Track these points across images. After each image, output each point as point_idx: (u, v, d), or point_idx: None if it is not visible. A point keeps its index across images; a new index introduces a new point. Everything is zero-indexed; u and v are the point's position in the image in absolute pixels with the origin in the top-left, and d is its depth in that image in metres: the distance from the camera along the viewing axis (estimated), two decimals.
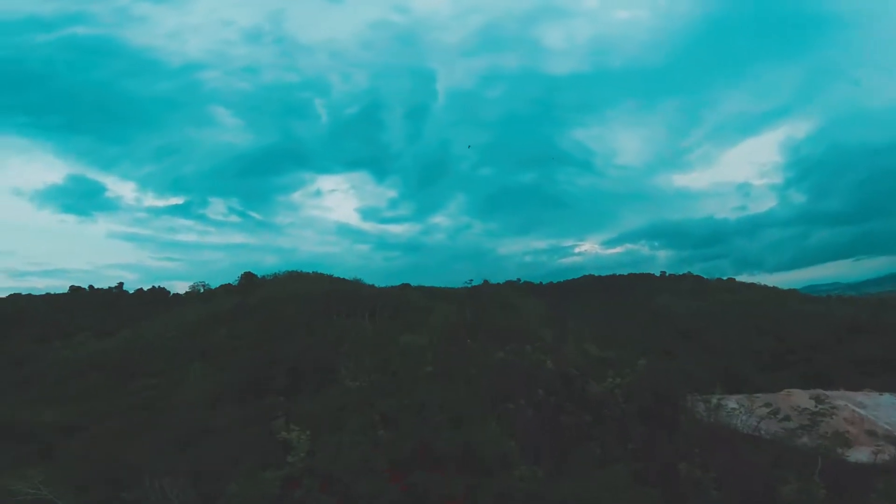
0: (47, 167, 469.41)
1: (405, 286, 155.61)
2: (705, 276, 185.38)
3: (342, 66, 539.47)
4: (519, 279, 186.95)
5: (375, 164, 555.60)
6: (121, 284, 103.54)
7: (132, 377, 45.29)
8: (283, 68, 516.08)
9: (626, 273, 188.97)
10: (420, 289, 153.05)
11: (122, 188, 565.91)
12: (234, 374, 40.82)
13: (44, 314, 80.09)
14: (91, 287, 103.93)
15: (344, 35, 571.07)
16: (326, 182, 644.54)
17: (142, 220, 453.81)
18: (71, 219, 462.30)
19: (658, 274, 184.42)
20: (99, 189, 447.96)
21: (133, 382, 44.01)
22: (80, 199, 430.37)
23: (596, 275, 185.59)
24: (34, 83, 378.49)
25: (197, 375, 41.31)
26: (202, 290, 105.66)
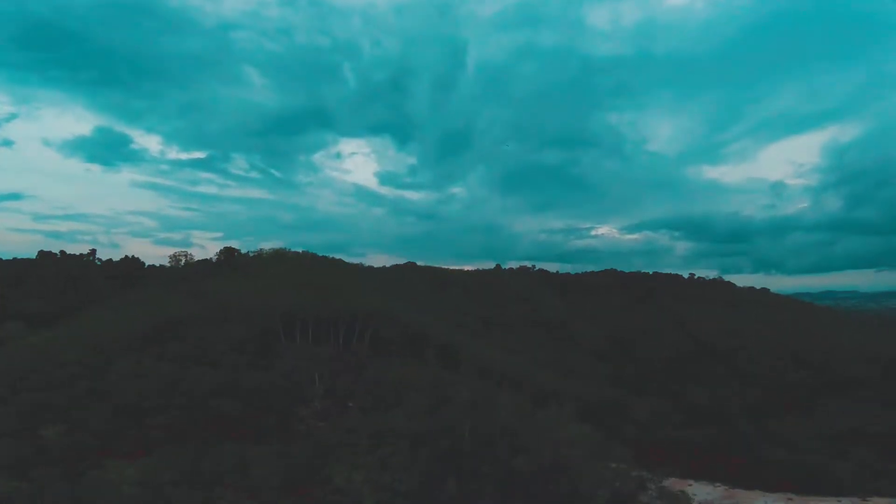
0: (78, 119, 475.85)
1: (410, 267, 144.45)
2: (725, 276, 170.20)
3: (375, 31, 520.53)
4: (533, 266, 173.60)
5: (398, 130, 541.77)
6: (93, 251, 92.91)
7: None
8: (316, 31, 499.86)
9: (649, 271, 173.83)
10: (428, 270, 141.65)
11: (147, 141, 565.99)
12: None
13: None
14: (62, 252, 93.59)
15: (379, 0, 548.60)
16: (348, 145, 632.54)
17: (165, 171, 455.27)
18: (96, 168, 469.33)
19: (686, 276, 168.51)
20: (125, 141, 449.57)
21: None
22: (107, 149, 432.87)
23: (619, 270, 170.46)
24: (70, 40, 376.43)
25: None
26: (182, 263, 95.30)
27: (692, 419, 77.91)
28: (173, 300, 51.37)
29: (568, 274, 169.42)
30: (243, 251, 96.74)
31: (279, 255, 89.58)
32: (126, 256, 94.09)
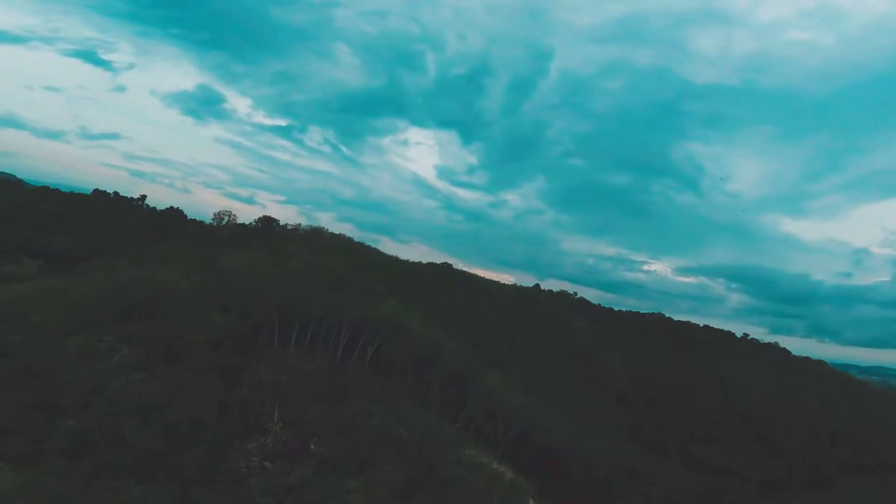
0: (185, 75, 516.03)
1: (445, 269, 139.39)
2: (774, 335, 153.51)
3: (462, 25, 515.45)
4: (575, 293, 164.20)
5: (465, 126, 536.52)
6: (143, 197, 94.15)
7: None
8: (408, 18, 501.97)
9: (698, 321, 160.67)
10: (462, 277, 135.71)
11: (238, 103, 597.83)
12: None
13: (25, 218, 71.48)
14: (116, 194, 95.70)
15: None
16: (416, 134, 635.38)
17: (247, 132, 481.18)
18: (189, 120, 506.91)
19: (739, 335, 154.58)
20: (219, 100, 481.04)
21: None
22: (202, 105, 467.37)
23: (666, 315, 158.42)
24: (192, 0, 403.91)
25: None
26: (225, 222, 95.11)
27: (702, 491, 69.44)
28: (175, 267, 48.68)
29: (611, 309, 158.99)
30: (292, 222, 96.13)
31: (316, 234, 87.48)
32: (171, 207, 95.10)
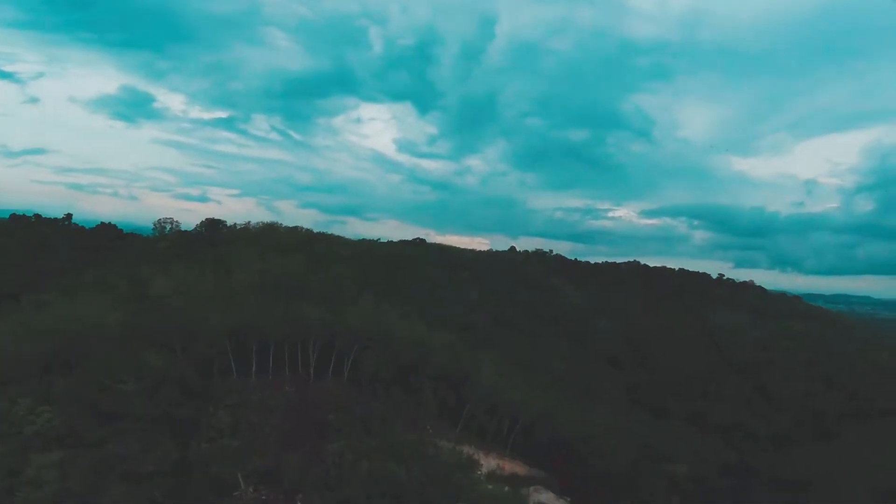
0: (105, 79, 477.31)
1: (419, 244, 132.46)
2: (739, 269, 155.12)
3: None
4: (551, 250, 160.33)
5: (420, 98, 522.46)
6: (68, 216, 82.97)
7: None
8: None
9: (675, 266, 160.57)
10: (437, 250, 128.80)
11: (171, 100, 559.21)
12: None
13: None
14: (37, 216, 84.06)
15: None
16: (369, 110, 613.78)
17: (186, 129, 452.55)
18: (119, 125, 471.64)
19: (715, 276, 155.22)
20: (148, 99, 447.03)
21: None
22: (130, 107, 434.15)
23: (642, 262, 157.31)
24: (100, 1, 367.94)
25: None
26: (169, 229, 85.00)
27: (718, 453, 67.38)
28: (105, 299, 40.23)
29: (587, 262, 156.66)
30: (246, 218, 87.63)
31: (269, 231, 79.09)
32: (103, 223, 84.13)
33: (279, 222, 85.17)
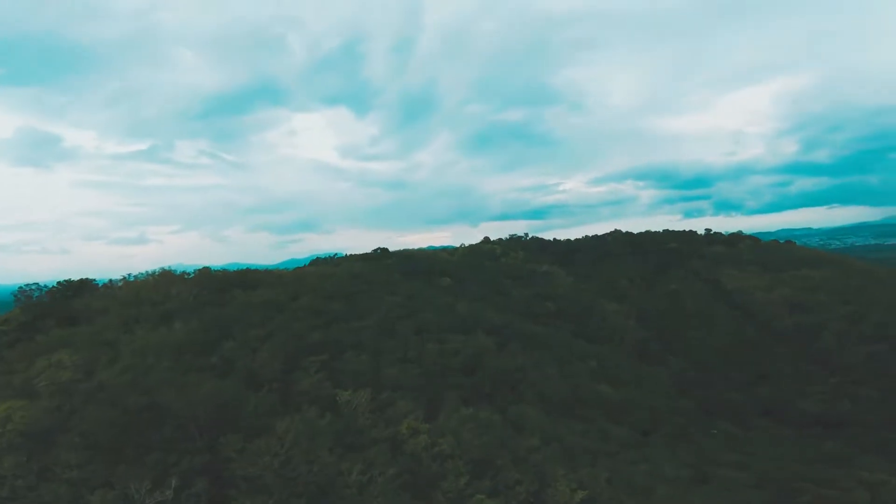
0: None
1: (382, 257, 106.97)
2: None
3: None
4: (526, 234, 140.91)
5: (355, 100, 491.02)
6: None
7: None
8: (252, 3, 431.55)
9: (659, 230, 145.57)
10: (404, 258, 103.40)
11: (79, 137, 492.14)
12: None
13: None
14: None
15: None
16: (302, 120, 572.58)
17: (106, 167, 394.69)
18: (27, 171, 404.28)
19: (702, 232, 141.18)
20: (52, 139, 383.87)
21: None
22: (35, 150, 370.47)
23: (624, 231, 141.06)
24: None
25: None
26: (36, 296, 56.95)
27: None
28: None
29: (568, 240, 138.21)
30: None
31: (164, 281, 52.31)
32: None
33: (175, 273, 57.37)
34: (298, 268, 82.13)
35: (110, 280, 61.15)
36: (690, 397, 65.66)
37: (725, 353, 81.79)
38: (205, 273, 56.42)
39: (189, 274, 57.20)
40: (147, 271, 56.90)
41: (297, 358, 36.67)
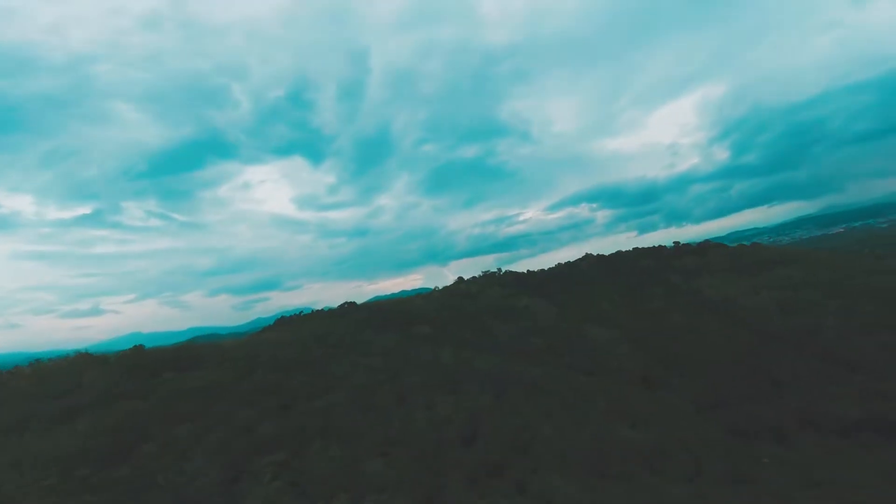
0: None
1: (349, 310, 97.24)
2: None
3: (261, 46, 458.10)
4: (500, 269, 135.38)
5: (309, 148, 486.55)
6: None
7: None
8: (191, 54, 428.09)
9: (629, 248, 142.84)
10: (374, 311, 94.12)
11: (15, 202, 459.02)
12: None
13: None
14: None
15: (262, 13, 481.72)
16: (255, 173, 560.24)
17: (48, 235, 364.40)
18: None
19: (670, 245, 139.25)
20: None
21: None
22: None
23: (595, 254, 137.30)
24: None
25: None
26: None
27: None
28: None
29: (542, 271, 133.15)
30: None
31: (77, 365, 41.92)
32: None
33: (139, 340, 46.91)
34: (252, 334, 71.91)
35: (36, 360, 49.42)
36: (713, 422, 58.63)
37: (730, 367, 75.84)
38: (133, 353, 45.97)
39: (112, 354, 46.63)
40: (66, 350, 46.17)
41: (243, 461, 27.25)
